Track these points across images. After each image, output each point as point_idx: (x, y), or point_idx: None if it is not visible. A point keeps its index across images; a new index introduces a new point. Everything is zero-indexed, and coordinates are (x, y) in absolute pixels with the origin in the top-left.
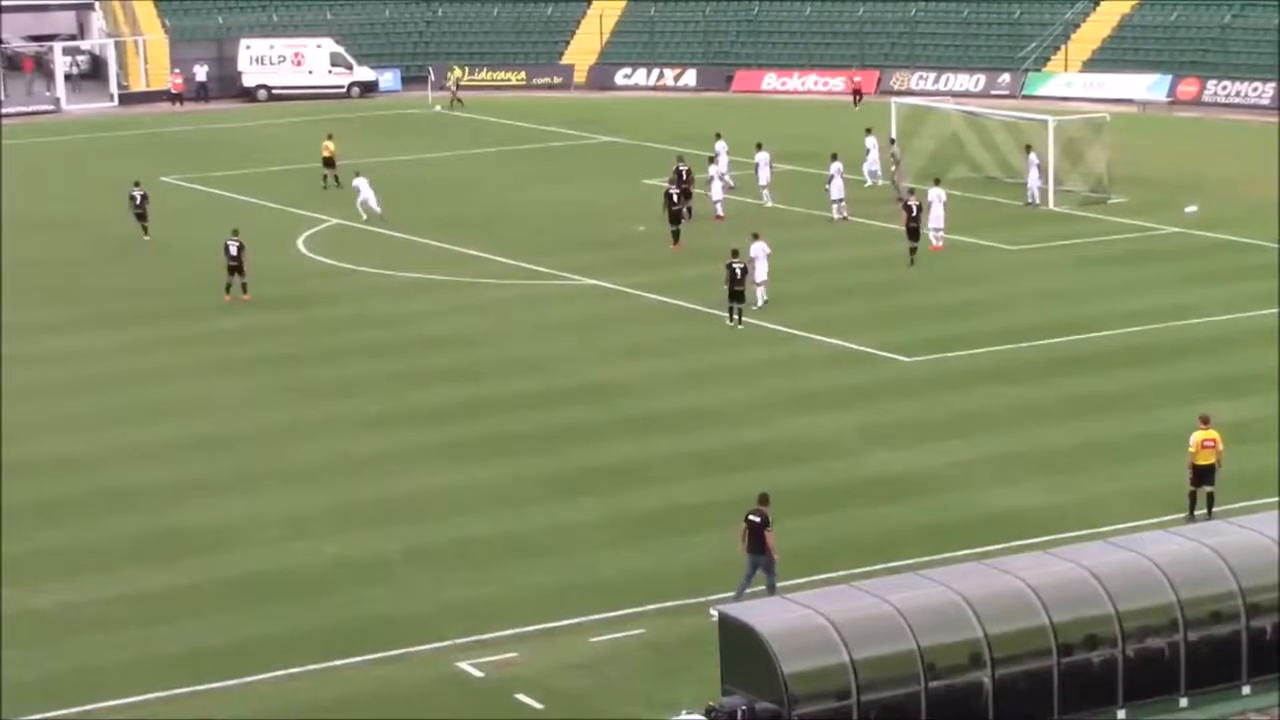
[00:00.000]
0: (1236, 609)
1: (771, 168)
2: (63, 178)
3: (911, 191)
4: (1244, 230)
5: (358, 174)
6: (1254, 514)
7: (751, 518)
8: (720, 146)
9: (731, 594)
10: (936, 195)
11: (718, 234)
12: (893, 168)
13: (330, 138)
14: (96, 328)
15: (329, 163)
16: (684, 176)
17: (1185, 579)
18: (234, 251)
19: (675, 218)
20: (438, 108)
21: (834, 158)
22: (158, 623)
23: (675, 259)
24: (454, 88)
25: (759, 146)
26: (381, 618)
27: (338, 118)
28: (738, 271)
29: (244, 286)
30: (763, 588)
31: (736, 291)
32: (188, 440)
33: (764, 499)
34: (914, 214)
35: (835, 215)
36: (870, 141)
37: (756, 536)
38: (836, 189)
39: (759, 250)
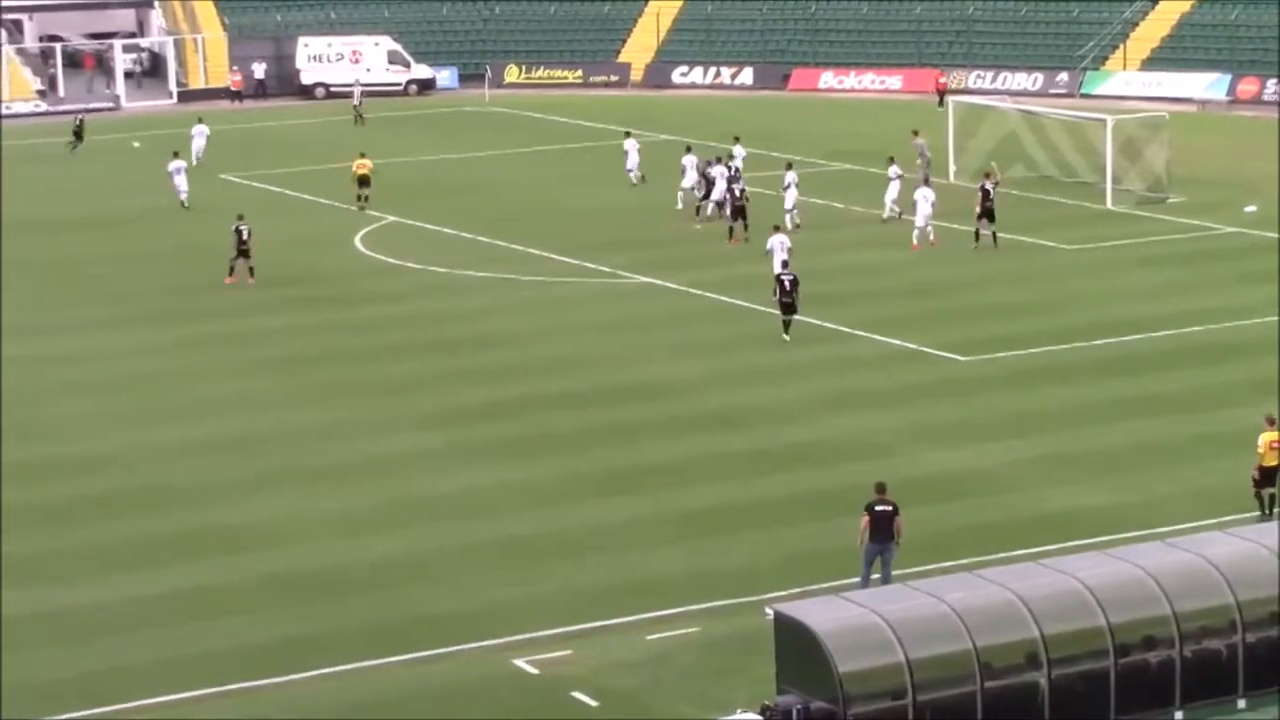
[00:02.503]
0: None
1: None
2: (120, 174)
3: (988, 175)
4: None
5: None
6: None
7: (881, 507)
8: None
9: (856, 581)
10: (924, 195)
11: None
12: (919, 160)
13: (363, 155)
14: (148, 325)
15: (364, 181)
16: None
17: (1243, 580)
18: (245, 236)
19: (737, 213)
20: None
21: (891, 160)
22: (202, 620)
23: (729, 256)
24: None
25: (789, 166)
26: (433, 616)
27: (394, 115)
28: (787, 283)
29: (250, 270)
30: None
31: (787, 304)
32: (235, 438)
33: (884, 488)
34: (989, 195)
35: (886, 214)
36: (919, 143)
37: (885, 526)
38: (893, 190)
39: (776, 243)
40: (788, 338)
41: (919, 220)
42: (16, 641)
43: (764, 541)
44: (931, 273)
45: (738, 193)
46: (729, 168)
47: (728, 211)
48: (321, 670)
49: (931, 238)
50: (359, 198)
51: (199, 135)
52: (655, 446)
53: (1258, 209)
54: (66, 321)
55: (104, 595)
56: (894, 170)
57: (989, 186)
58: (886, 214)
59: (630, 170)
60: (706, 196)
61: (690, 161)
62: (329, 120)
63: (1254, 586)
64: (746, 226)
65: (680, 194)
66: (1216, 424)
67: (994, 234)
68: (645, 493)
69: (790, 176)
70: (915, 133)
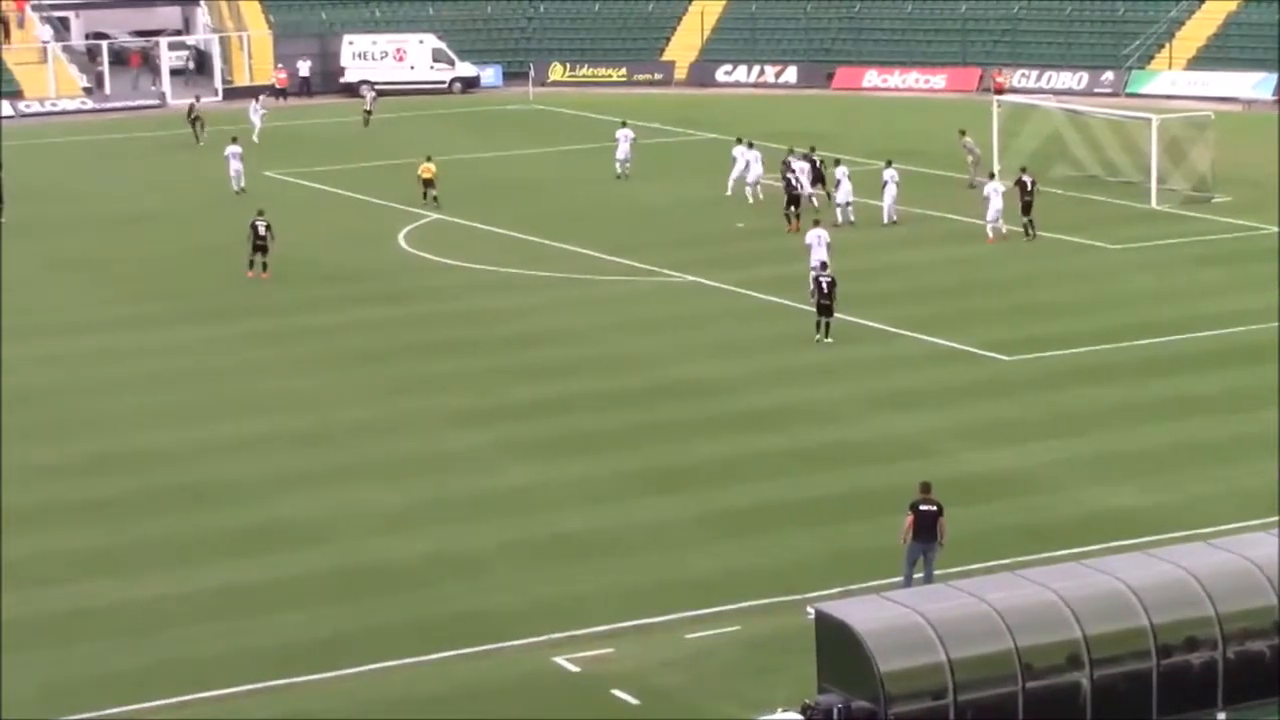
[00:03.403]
0: None
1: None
2: (164, 171)
3: (1024, 169)
4: None
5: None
6: None
7: (925, 507)
8: (753, 155)
9: (898, 580)
10: (994, 189)
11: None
12: (969, 158)
13: (429, 159)
14: (191, 322)
15: (429, 183)
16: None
17: None
18: (261, 231)
19: (793, 201)
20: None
21: (888, 164)
22: (252, 615)
23: (775, 255)
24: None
25: (836, 162)
26: (477, 612)
27: (439, 113)
28: (824, 284)
29: (265, 265)
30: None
31: (824, 305)
32: (284, 434)
33: (929, 487)
34: (1029, 189)
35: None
36: (968, 142)
37: (929, 525)
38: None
39: (814, 237)
40: (829, 339)
41: (990, 215)
42: (71, 636)
43: (806, 540)
44: (974, 273)
45: (794, 182)
46: (811, 160)
47: (809, 203)
48: (366, 667)
49: (1004, 230)
50: (425, 195)
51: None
52: (700, 445)
53: None
54: (114, 318)
55: (154, 590)
56: (889, 174)
57: (1027, 180)
58: (886, 219)
59: (620, 160)
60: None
61: (740, 153)
62: (373, 118)
63: None
64: (799, 215)
65: (731, 182)
66: (1259, 424)
67: (1030, 223)
68: (689, 491)
69: (889, 174)
70: (962, 133)
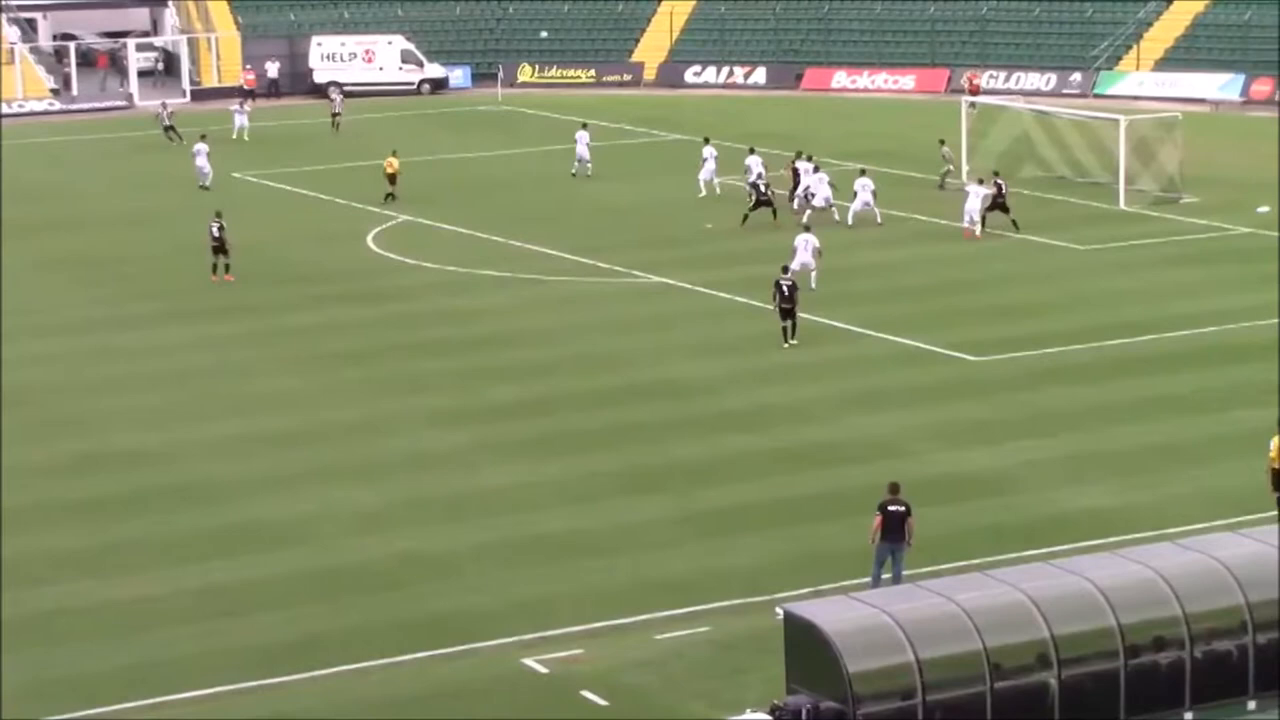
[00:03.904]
0: None
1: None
2: (135, 172)
3: (996, 173)
4: None
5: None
6: None
7: (894, 507)
8: (708, 151)
9: (867, 581)
10: (974, 190)
11: (782, 233)
12: (946, 166)
13: (395, 154)
14: (167, 323)
15: (392, 179)
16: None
17: (1254, 581)
18: (215, 233)
19: (761, 204)
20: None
21: (862, 172)
22: (230, 616)
23: (745, 256)
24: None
25: (862, 172)
26: (450, 613)
27: (408, 114)
28: (785, 288)
29: (227, 267)
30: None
31: (786, 310)
32: (260, 435)
33: (897, 488)
34: (1002, 190)
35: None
36: (946, 151)
37: (897, 526)
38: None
39: (801, 242)
40: (793, 342)
41: (968, 211)
42: (52, 637)
43: (777, 541)
44: (943, 273)
45: (763, 188)
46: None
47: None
48: (340, 668)
49: (978, 231)
50: (387, 196)
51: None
52: (673, 446)
53: (1271, 210)
54: (92, 319)
55: (135, 591)
56: (861, 182)
57: (1001, 182)
58: (851, 221)
59: (579, 161)
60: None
61: (709, 153)
62: (342, 119)
63: (1264, 588)
64: (775, 214)
65: (702, 183)
66: (1228, 425)
67: (1014, 221)
68: (661, 492)
69: (861, 183)
70: (942, 142)
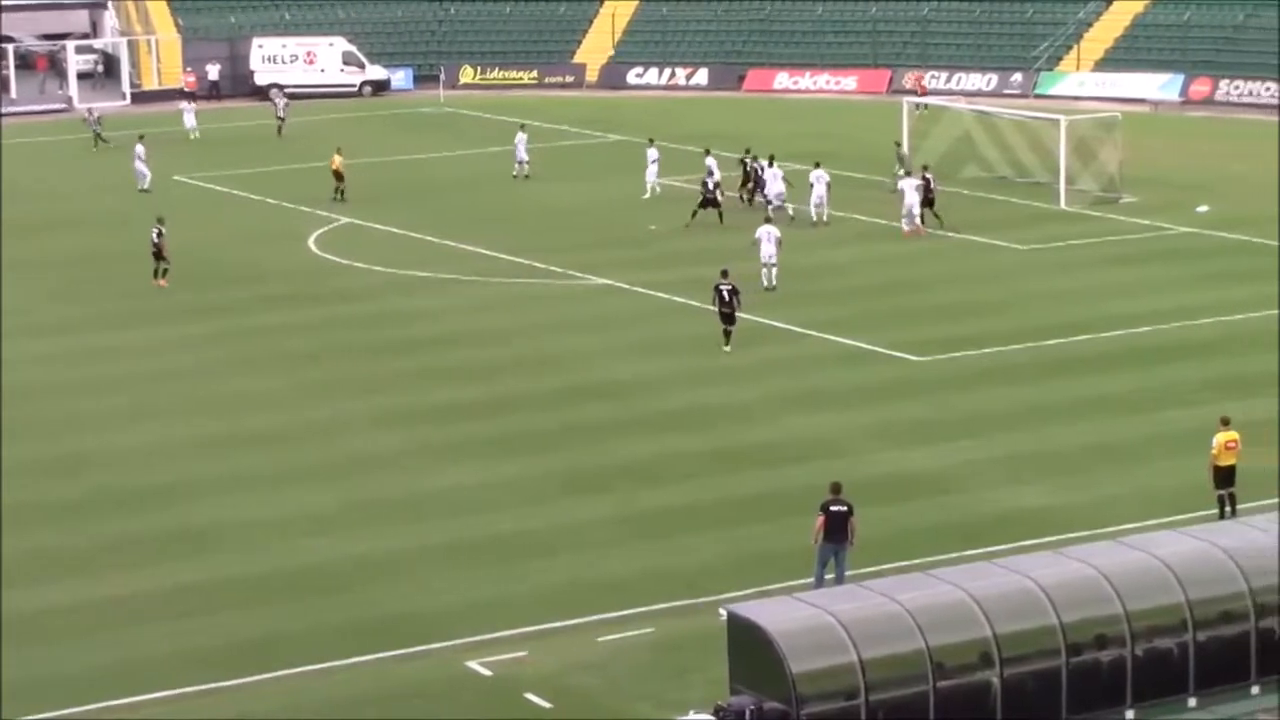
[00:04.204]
0: (1246, 609)
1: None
2: (74, 176)
3: (925, 167)
4: (1255, 230)
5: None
6: (1263, 514)
7: (836, 508)
8: (652, 153)
9: (810, 581)
10: (818, 176)
11: (727, 235)
12: (899, 169)
13: (339, 151)
14: (112, 327)
15: (338, 175)
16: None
17: (1194, 579)
18: (154, 238)
19: (709, 204)
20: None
21: (817, 164)
22: (181, 619)
23: (686, 257)
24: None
25: (816, 165)
26: (396, 616)
27: (350, 116)
28: (725, 292)
29: (164, 272)
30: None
31: (726, 314)
32: (208, 438)
33: (839, 488)
34: (930, 187)
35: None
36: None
37: (840, 526)
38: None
39: (764, 233)
40: (728, 348)
41: (905, 209)
42: (15, 639)
43: (720, 541)
44: (885, 274)
45: (710, 187)
46: (761, 164)
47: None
48: (283, 672)
49: (919, 226)
50: (337, 190)
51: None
52: (617, 447)
53: (1209, 209)
54: (38, 324)
55: (97, 593)
56: (816, 174)
57: (929, 178)
58: (815, 218)
59: (519, 162)
60: (754, 193)
61: (653, 154)
62: (283, 121)
63: (1205, 585)
64: (721, 217)
65: (648, 185)
66: (1168, 424)
67: (936, 215)
68: (605, 493)
69: (816, 175)
70: (898, 144)
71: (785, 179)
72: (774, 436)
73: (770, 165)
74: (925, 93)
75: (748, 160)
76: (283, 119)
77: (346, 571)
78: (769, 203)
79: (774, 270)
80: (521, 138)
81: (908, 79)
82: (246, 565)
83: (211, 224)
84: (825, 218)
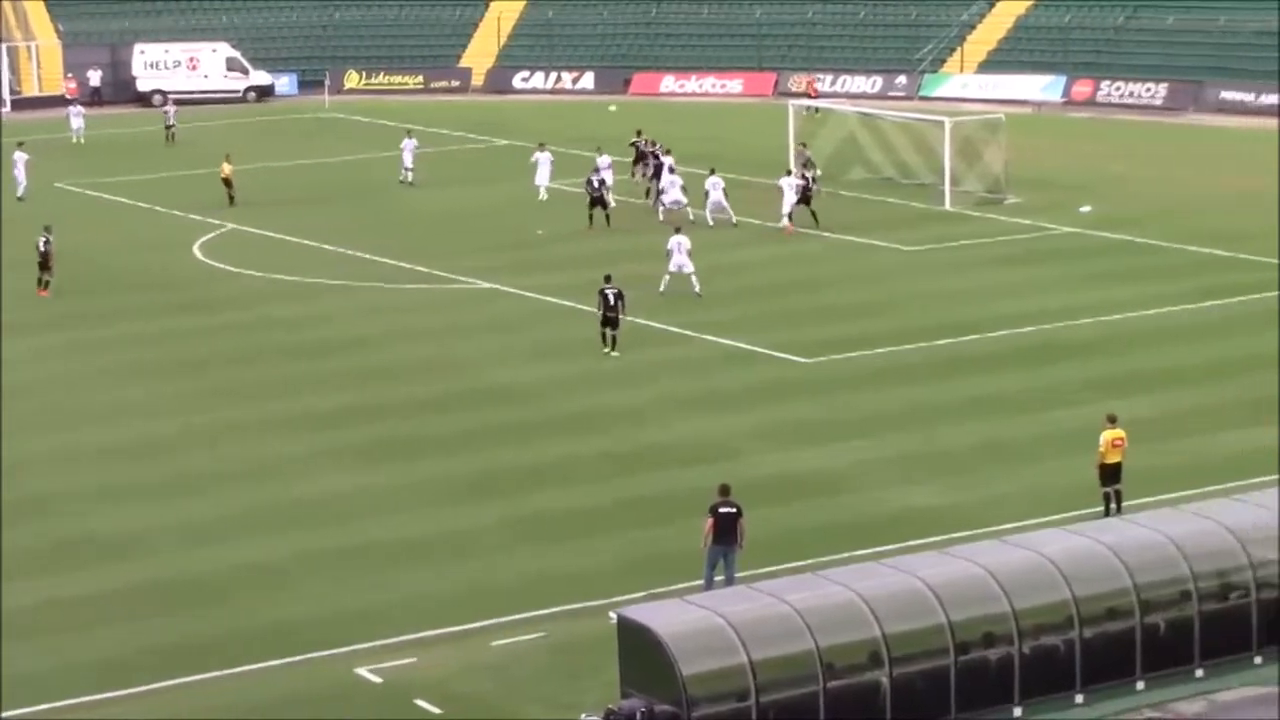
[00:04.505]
0: (1131, 605)
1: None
2: None
3: (804, 165)
4: (1137, 230)
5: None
6: (1147, 511)
7: (725, 509)
8: (542, 156)
9: (701, 583)
10: (714, 184)
11: (615, 237)
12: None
13: (228, 159)
14: None
15: (228, 183)
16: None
17: (1080, 576)
18: (41, 248)
19: (595, 203)
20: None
21: (712, 171)
22: (63, 631)
23: (574, 261)
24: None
25: (712, 171)
26: (283, 623)
27: (234, 123)
28: (610, 297)
29: (46, 284)
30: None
31: (610, 318)
32: (90, 447)
33: (728, 490)
34: (809, 184)
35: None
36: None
37: (729, 528)
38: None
39: (675, 244)
40: (615, 353)
41: (785, 208)
42: None
43: (611, 544)
44: (772, 275)
45: (595, 184)
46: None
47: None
48: (175, 681)
49: (790, 225)
50: (232, 198)
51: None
52: (507, 451)
53: (1092, 209)
54: None
55: None
56: (711, 181)
57: (809, 175)
58: (711, 223)
59: (406, 169)
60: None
61: (543, 158)
62: (163, 129)
63: (1090, 583)
64: (609, 219)
65: (539, 189)
66: (1053, 423)
67: (814, 215)
68: (496, 497)
69: (712, 181)
70: (804, 145)
71: (684, 187)
72: (664, 439)
73: (670, 169)
74: (817, 95)
75: (640, 142)
76: (172, 127)
77: (230, 580)
78: (664, 206)
79: (693, 277)
80: (409, 143)
81: (792, 81)
82: (125, 576)
83: (95, 231)
84: (733, 220)
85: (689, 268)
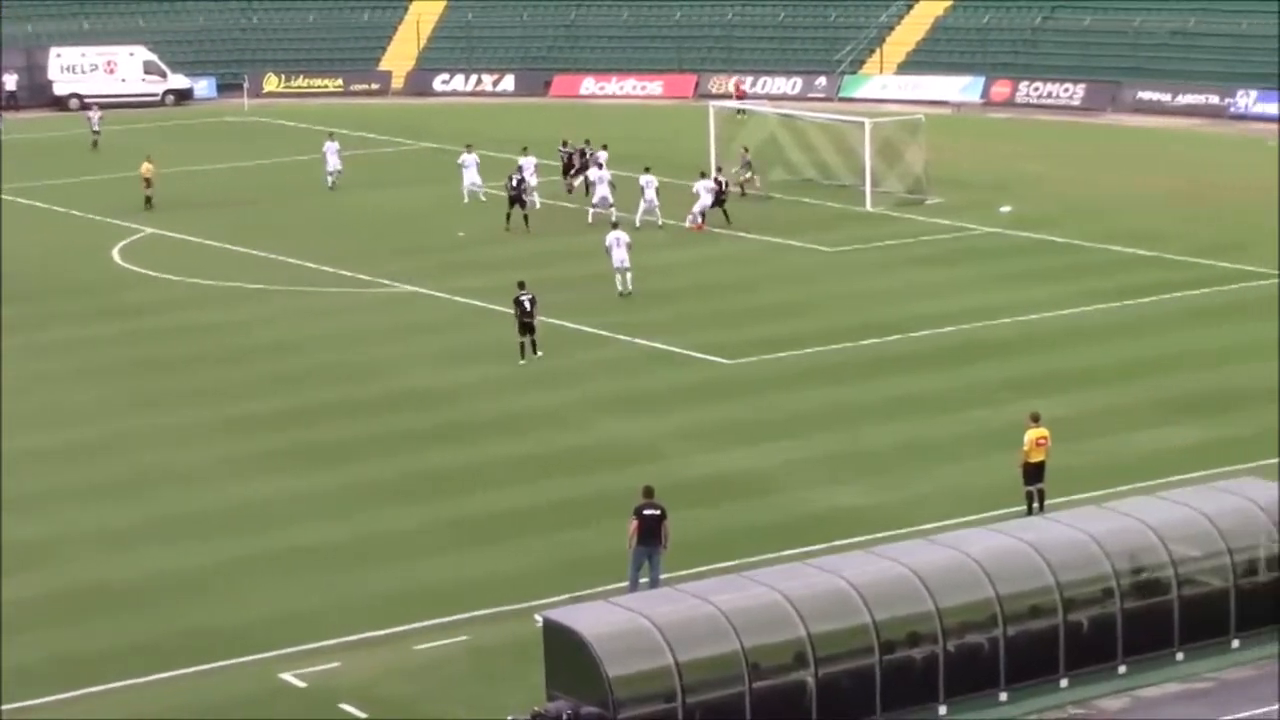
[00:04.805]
0: (1054, 603)
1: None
2: None
3: (719, 169)
4: (1056, 230)
5: None
6: (1070, 509)
7: (649, 511)
8: (469, 159)
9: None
10: (648, 181)
11: (536, 240)
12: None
13: (150, 160)
14: None
15: (148, 183)
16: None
17: (1004, 575)
18: None
19: (513, 202)
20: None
21: (646, 170)
22: None
23: (495, 264)
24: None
25: (646, 170)
26: (204, 630)
27: (152, 126)
28: (526, 303)
29: None
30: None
31: (526, 324)
32: (8, 453)
33: (651, 492)
34: (723, 188)
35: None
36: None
37: (653, 529)
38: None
39: (613, 240)
40: (536, 355)
41: (696, 208)
42: None
43: (536, 547)
44: (692, 276)
45: (513, 184)
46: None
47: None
48: (94, 689)
49: (695, 222)
50: (149, 200)
51: None
52: (429, 454)
53: (1012, 209)
54: None
55: None
56: (646, 179)
57: (721, 180)
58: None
59: (330, 173)
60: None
61: (469, 160)
62: (84, 132)
63: (1014, 581)
64: (527, 220)
65: (479, 191)
66: (976, 423)
67: (726, 215)
68: (418, 501)
69: (646, 180)
70: (745, 150)
71: (612, 183)
72: (588, 441)
73: (601, 166)
74: (744, 96)
75: (566, 151)
76: (98, 132)
77: (151, 586)
78: (592, 206)
79: (628, 275)
80: (331, 145)
81: (713, 83)
82: (43, 583)
83: (11, 236)
84: (660, 222)
85: (627, 264)
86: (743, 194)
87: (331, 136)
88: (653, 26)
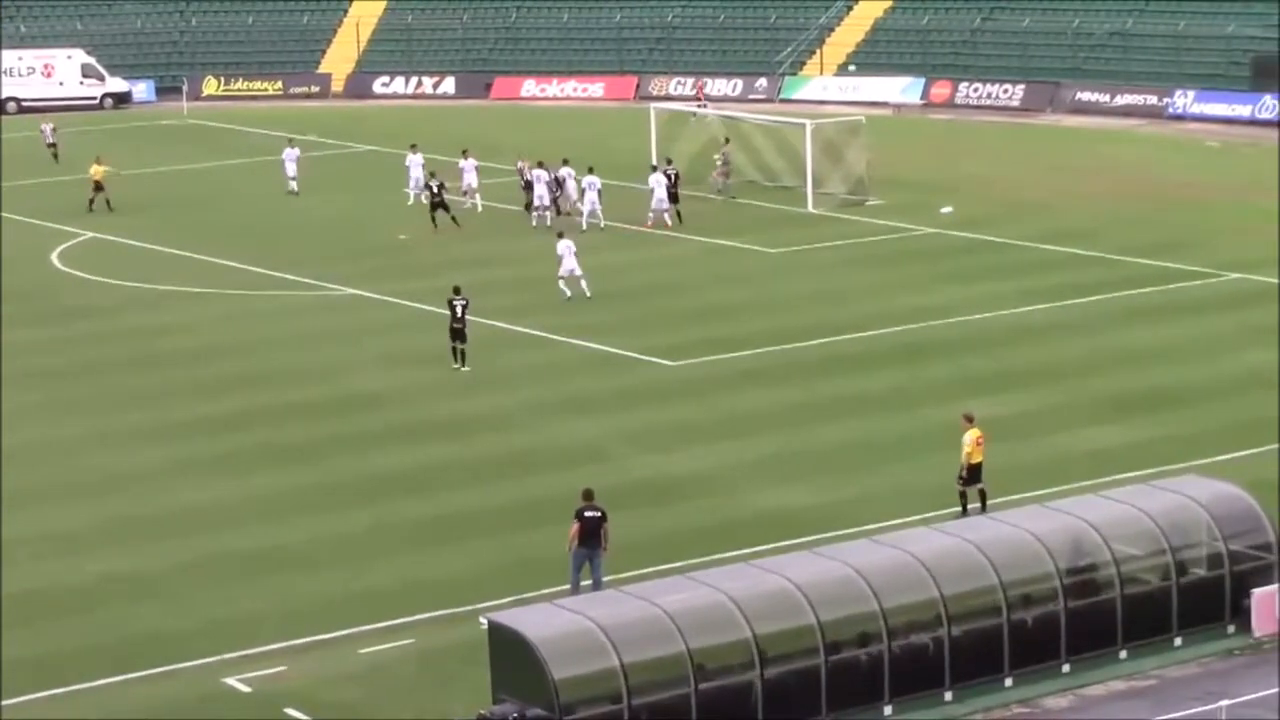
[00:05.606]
0: (998, 602)
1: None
2: None
3: (670, 161)
4: (997, 230)
5: None
6: (1013, 509)
7: (590, 513)
8: (414, 159)
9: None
10: (590, 183)
11: (477, 242)
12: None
13: (99, 160)
14: None
15: (98, 186)
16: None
17: (948, 574)
18: None
19: (436, 207)
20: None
21: (590, 170)
22: None
23: (436, 267)
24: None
25: (590, 170)
26: (148, 634)
27: (91, 130)
28: (458, 309)
29: None
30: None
31: (457, 329)
32: None
33: (591, 494)
34: (674, 181)
35: (584, 225)
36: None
37: (594, 531)
38: (590, 200)
39: (564, 248)
40: (465, 366)
41: (654, 203)
42: None
43: (481, 550)
44: (635, 278)
45: (435, 190)
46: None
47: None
48: (36, 695)
49: (666, 218)
50: (91, 202)
51: None
52: (374, 457)
53: (953, 210)
54: None
55: None
56: (589, 180)
57: (671, 173)
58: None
59: (290, 179)
60: (533, 202)
61: (415, 161)
62: (20, 136)
63: (958, 580)
64: (454, 219)
65: (410, 194)
66: (919, 422)
67: (678, 212)
68: (364, 504)
69: (589, 180)
70: (726, 140)
71: (548, 181)
72: (531, 443)
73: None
74: (704, 99)
75: (522, 168)
76: (54, 144)
77: (95, 591)
78: (582, 213)
79: (583, 280)
80: (291, 152)
81: (654, 85)
82: None
83: None
84: (601, 225)
85: (578, 270)
86: (719, 191)
87: (291, 143)
88: (593, 28)
